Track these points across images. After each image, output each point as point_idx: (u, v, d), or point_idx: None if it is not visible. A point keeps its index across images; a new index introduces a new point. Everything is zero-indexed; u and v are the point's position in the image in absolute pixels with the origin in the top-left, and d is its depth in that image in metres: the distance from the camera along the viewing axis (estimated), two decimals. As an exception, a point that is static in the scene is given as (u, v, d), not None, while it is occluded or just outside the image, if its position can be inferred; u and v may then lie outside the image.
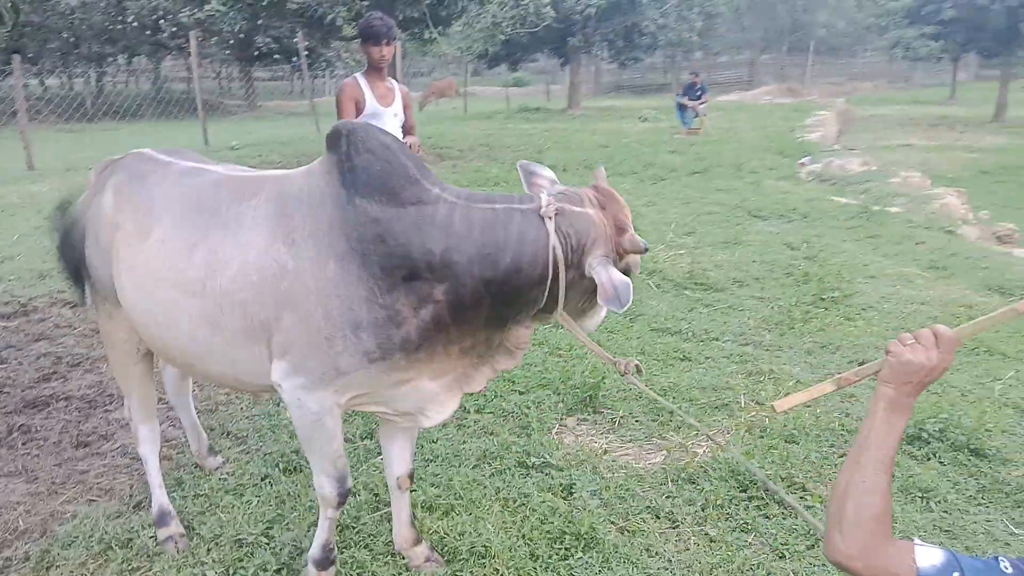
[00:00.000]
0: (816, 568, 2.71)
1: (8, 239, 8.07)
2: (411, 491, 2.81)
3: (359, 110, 4.70)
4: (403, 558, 2.77)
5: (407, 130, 4.96)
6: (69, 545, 2.90)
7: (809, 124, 18.59)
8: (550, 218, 2.21)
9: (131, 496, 3.28)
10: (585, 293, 2.35)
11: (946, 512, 3.05)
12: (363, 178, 2.25)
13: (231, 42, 28.05)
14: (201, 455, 3.49)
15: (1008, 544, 2.88)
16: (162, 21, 26.41)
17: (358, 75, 4.75)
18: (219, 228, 2.41)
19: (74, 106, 24.51)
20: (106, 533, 2.94)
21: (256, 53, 30.74)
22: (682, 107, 18.53)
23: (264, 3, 11.57)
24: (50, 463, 3.61)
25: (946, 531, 2.94)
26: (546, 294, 2.27)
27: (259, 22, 12.59)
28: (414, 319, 2.24)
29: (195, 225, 2.45)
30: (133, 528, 3.00)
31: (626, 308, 2.19)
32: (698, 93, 18.52)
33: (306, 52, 21.31)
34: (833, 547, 1.41)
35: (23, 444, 3.81)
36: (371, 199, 2.23)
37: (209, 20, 17.34)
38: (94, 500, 3.27)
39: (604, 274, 2.19)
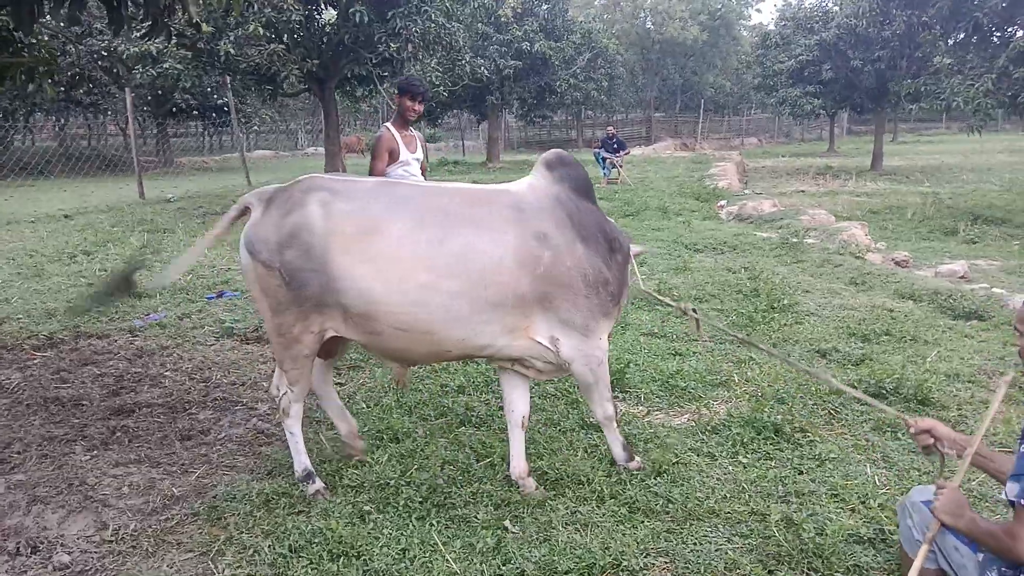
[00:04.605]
0: (827, 478, 3.60)
1: (-9, 285, 8.26)
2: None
3: (392, 158, 5.37)
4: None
5: (423, 170, 5.73)
6: (233, 499, 3.48)
7: (714, 174, 20.36)
8: None
9: (260, 468, 3.87)
10: None
11: (908, 440, 4.02)
12: (580, 184, 3.50)
13: (149, 98, 28.17)
14: (352, 437, 3.87)
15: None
16: (77, 77, 26.30)
17: (389, 125, 5.42)
18: (463, 226, 3.24)
19: (-27, 162, 23.76)
20: (262, 490, 3.54)
21: (172, 109, 30.90)
22: (603, 159, 19.96)
23: (221, 62, 12.10)
24: (166, 452, 4.13)
25: (912, 452, 3.92)
26: None
27: (212, 80, 13.06)
28: (619, 273, 3.47)
29: (438, 223, 3.22)
30: (281, 486, 3.61)
31: None
32: (615, 145, 20.03)
33: (231, 108, 21.81)
34: None
35: (130, 441, 4.29)
36: (587, 198, 3.51)
37: (149, 78, 17.57)
38: (226, 474, 3.84)
39: None
